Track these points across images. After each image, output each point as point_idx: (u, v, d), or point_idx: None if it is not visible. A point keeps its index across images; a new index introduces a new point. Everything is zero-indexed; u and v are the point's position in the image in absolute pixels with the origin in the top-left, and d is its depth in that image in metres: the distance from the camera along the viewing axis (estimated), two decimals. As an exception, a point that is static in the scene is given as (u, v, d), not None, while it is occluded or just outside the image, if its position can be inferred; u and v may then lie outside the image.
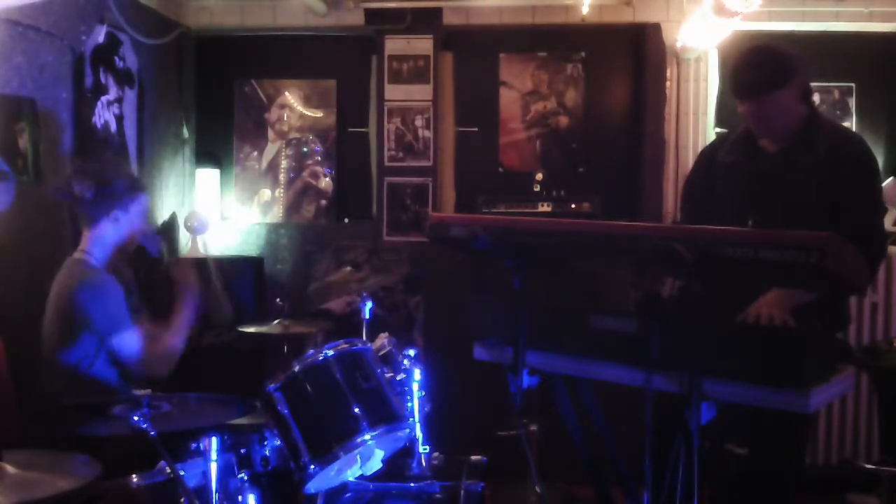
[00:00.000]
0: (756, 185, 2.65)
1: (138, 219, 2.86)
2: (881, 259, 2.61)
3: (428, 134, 4.53)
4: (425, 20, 4.49)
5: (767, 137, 2.66)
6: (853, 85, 4.51)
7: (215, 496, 2.08)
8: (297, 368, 2.28)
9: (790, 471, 2.59)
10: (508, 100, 4.68)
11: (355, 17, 4.48)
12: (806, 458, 4.01)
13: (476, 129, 4.69)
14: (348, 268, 3.40)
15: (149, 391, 1.96)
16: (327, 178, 4.74)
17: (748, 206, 2.62)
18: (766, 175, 2.64)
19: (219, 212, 4.75)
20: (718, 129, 4.33)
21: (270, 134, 4.76)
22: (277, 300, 3.28)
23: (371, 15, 4.47)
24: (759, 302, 2.39)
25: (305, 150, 4.74)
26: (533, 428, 3.68)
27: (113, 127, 3.81)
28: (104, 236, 2.80)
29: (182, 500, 1.97)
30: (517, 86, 4.67)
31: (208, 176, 4.73)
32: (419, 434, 2.68)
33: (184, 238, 4.53)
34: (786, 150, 2.63)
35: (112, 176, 2.81)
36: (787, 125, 2.60)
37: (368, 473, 2.44)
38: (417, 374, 2.71)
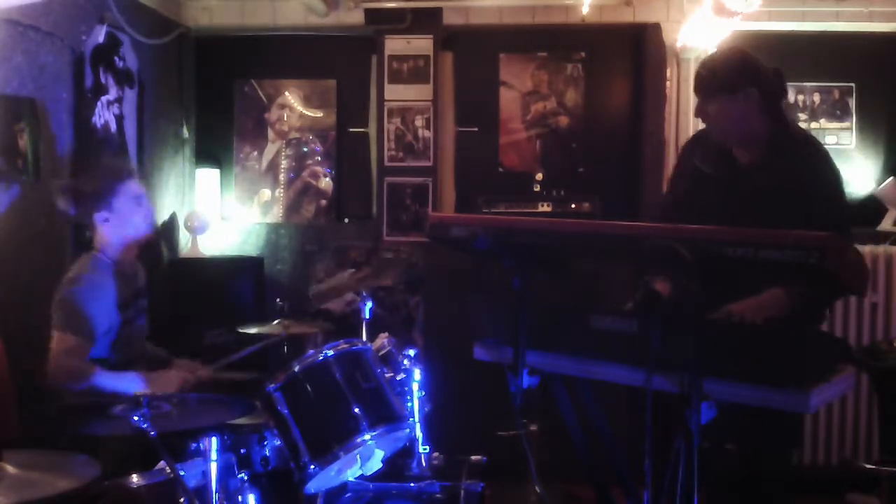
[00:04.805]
0: (729, 198, 2.58)
1: (130, 208, 2.85)
2: None
3: (428, 134, 4.53)
4: (425, 20, 4.49)
5: (723, 143, 2.61)
6: (853, 85, 4.50)
7: (215, 496, 2.08)
8: (297, 368, 2.28)
9: (778, 467, 2.58)
10: (508, 100, 4.67)
11: (355, 17, 4.48)
12: (801, 455, 4.03)
13: (476, 129, 4.69)
14: (348, 268, 3.40)
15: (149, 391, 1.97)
16: (327, 178, 4.74)
17: (725, 219, 2.58)
18: (737, 190, 2.58)
19: (219, 212, 4.75)
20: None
21: (270, 134, 4.76)
22: (277, 300, 3.28)
23: (371, 15, 4.47)
24: (737, 304, 2.35)
25: (305, 150, 4.74)
26: (533, 428, 3.67)
27: (113, 127, 3.81)
28: (107, 236, 2.87)
29: (182, 500, 1.97)
30: (517, 86, 4.66)
31: (208, 176, 4.73)
32: (419, 434, 2.68)
33: (184, 238, 4.53)
34: (756, 164, 2.57)
35: (83, 184, 2.88)
36: (742, 135, 2.54)
37: (368, 473, 2.44)
38: (417, 374, 2.71)
